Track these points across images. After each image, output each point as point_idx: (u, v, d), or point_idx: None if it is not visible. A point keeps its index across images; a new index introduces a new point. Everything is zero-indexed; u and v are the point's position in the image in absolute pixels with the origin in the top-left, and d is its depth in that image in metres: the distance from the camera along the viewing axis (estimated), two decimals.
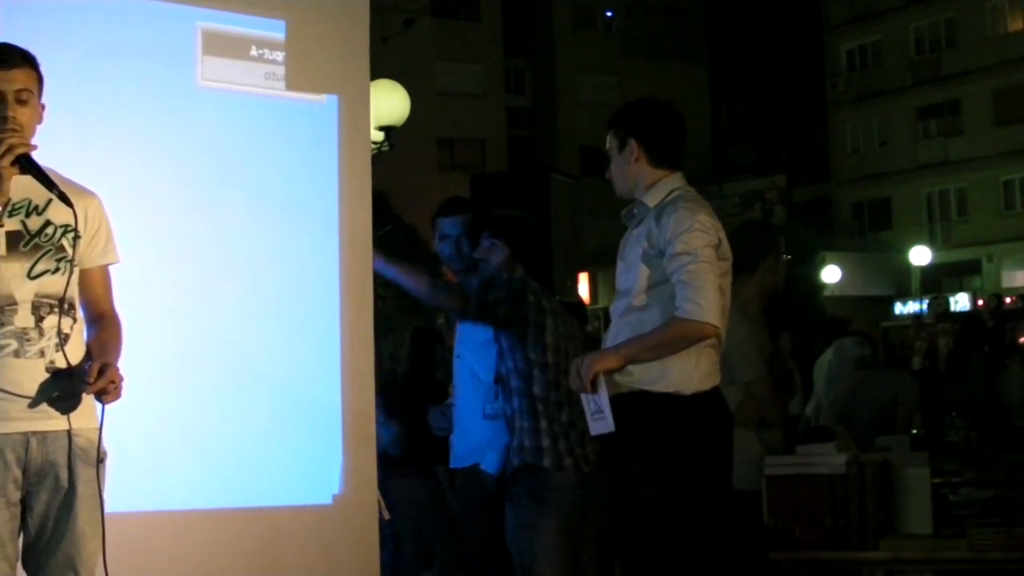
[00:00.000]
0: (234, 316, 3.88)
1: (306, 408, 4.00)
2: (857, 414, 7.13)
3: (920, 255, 29.72)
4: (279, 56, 4.03)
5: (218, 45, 3.92)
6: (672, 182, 3.62)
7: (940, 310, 19.49)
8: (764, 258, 4.55)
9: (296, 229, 4.03)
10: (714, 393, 3.56)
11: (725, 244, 3.53)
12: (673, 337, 3.41)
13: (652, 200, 3.57)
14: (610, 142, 3.68)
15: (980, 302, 24.04)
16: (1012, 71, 30.78)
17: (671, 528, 3.46)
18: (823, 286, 27.54)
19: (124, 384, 2.91)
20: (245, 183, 3.94)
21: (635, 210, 3.63)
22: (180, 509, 3.70)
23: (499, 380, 4.11)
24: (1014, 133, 30.62)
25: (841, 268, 28.41)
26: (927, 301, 25.26)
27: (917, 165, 33.54)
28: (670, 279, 3.42)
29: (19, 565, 2.94)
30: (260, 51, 4.01)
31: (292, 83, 4.04)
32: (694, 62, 38.70)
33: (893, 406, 7.25)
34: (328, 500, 4.02)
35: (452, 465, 4.42)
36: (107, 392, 2.88)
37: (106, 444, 2.99)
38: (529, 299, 4.02)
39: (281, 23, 4.04)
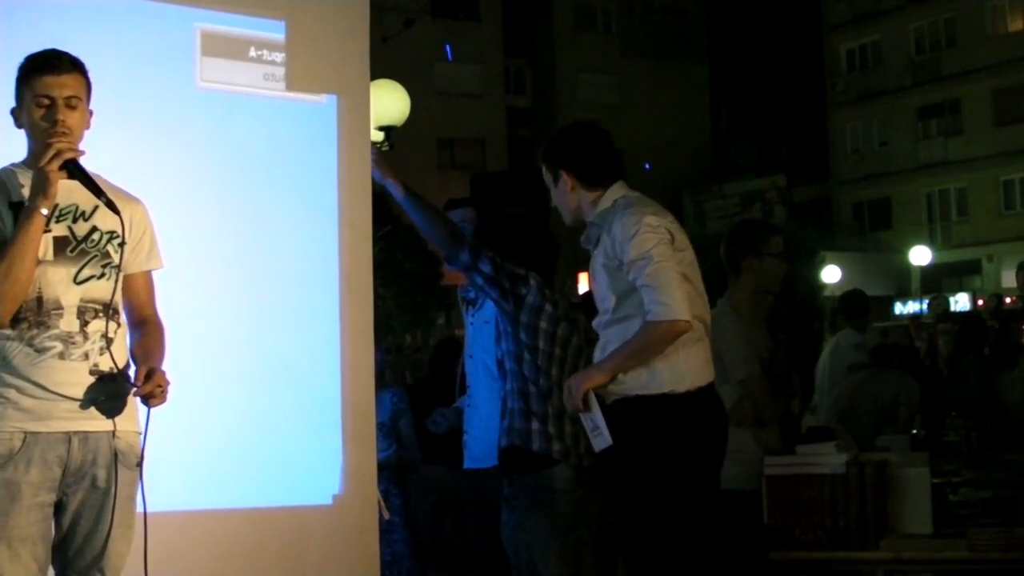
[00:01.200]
0: (233, 316, 3.88)
1: (306, 408, 4.00)
2: (858, 414, 7.13)
3: (920, 255, 29.70)
4: (278, 57, 4.02)
5: (217, 46, 3.92)
6: (613, 192, 3.66)
7: (940, 310, 19.44)
8: (744, 257, 4.55)
9: (296, 229, 4.03)
10: (709, 389, 3.58)
11: (680, 236, 3.54)
12: (649, 342, 3.43)
13: (600, 216, 3.61)
14: (545, 177, 3.75)
15: (980, 302, 24.03)
16: (1012, 71, 30.77)
17: (673, 526, 3.47)
18: (823, 286, 27.52)
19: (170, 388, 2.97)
20: (245, 184, 3.94)
21: (590, 232, 3.68)
22: (180, 510, 3.69)
23: (498, 363, 4.10)
24: (1014, 133, 30.60)
25: (841, 268, 28.40)
26: (927, 301, 25.24)
27: (917, 165, 33.53)
28: (638, 288, 3.45)
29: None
30: (259, 52, 4.01)
31: (292, 83, 4.03)
32: (694, 62, 38.71)
33: (894, 406, 7.25)
34: (328, 500, 4.02)
35: (467, 465, 4.41)
36: (153, 395, 2.94)
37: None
38: (531, 282, 4.00)
39: (280, 23, 4.04)
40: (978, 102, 32.09)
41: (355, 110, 4.19)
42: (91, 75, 3.06)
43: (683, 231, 3.60)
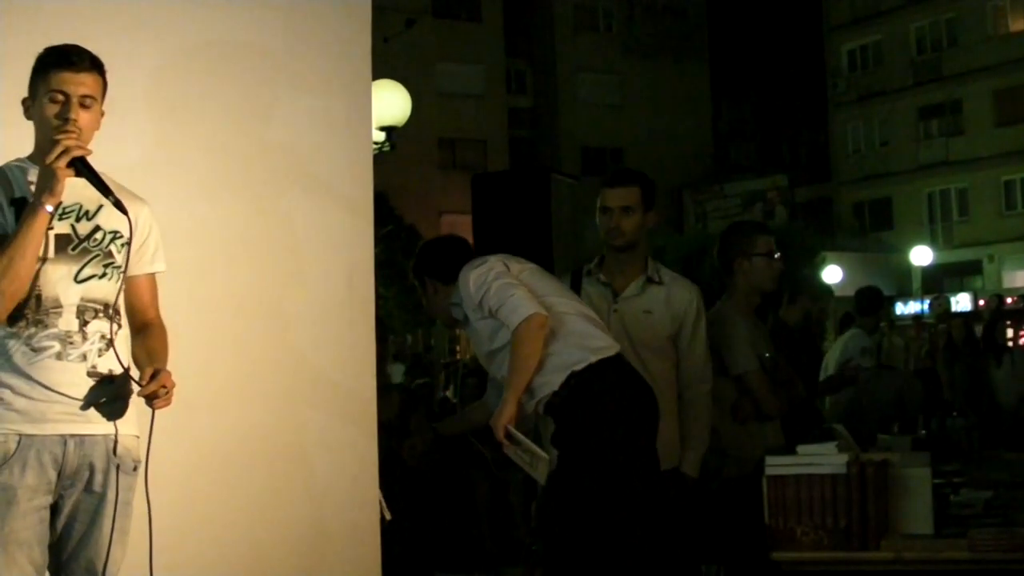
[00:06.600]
0: (234, 315, 3.88)
1: (307, 407, 4.00)
2: (860, 414, 7.13)
3: (921, 255, 29.71)
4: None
5: None
6: None
7: (941, 310, 19.44)
8: (735, 259, 4.63)
9: (297, 229, 4.04)
10: (613, 361, 3.79)
11: (512, 262, 3.95)
12: (521, 346, 3.73)
13: (456, 296, 4.02)
14: (419, 292, 4.25)
15: (981, 302, 24.04)
16: (1013, 71, 30.79)
17: (598, 499, 3.66)
18: (826, 287, 27.49)
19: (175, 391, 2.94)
20: (245, 183, 3.94)
21: (457, 313, 4.05)
22: (180, 510, 3.70)
23: None
24: (1015, 133, 30.63)
25: (842, 268, 28.39)
26: (928, 302, 25.25)
27: (918, 165, 33.56)
28: (497, 318, 3.81)
29: None
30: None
31: (293, 83, 4.03)
32: (695, 62, 38.70)
33: (897, 407, 7.25)
34: (328, 499, 4.02)
35: None
36: (158, 396, 2.89)
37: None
38: None
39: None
40: (979, 102, 32.11)
41: (356, 110, 4.20)
42: (108, 74, 3.00)
43: (518, 259, 4.00)
